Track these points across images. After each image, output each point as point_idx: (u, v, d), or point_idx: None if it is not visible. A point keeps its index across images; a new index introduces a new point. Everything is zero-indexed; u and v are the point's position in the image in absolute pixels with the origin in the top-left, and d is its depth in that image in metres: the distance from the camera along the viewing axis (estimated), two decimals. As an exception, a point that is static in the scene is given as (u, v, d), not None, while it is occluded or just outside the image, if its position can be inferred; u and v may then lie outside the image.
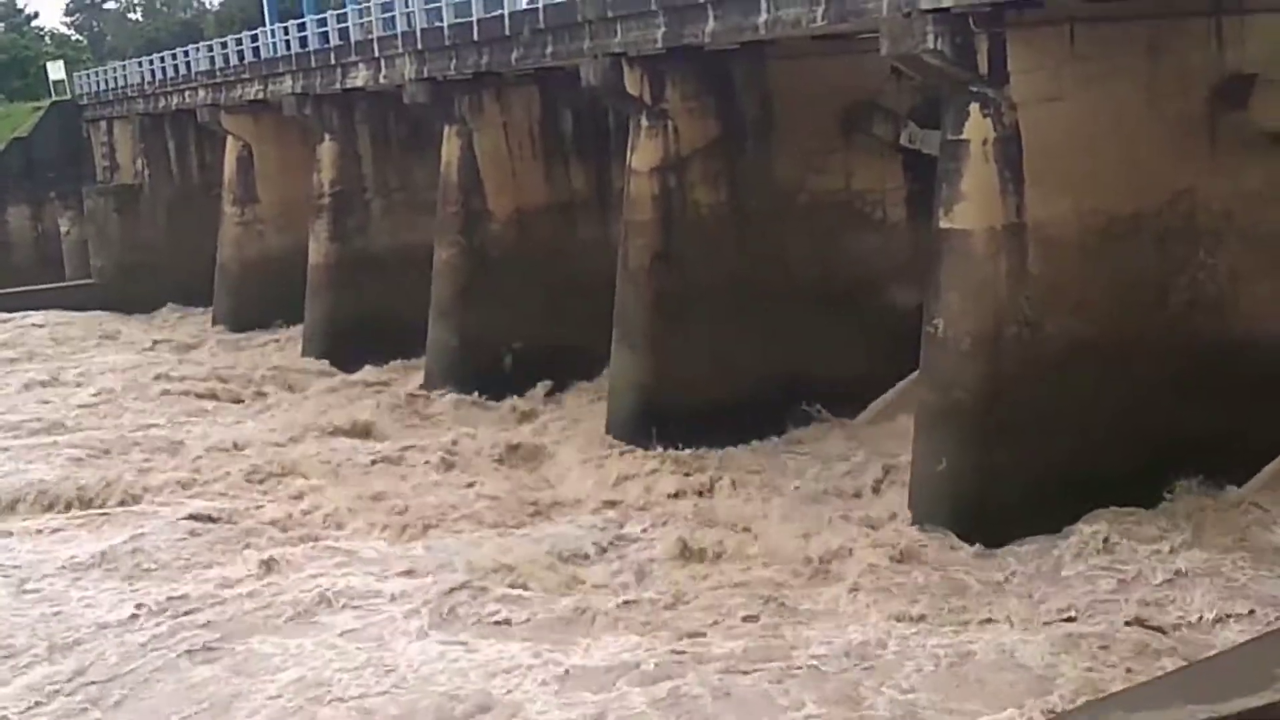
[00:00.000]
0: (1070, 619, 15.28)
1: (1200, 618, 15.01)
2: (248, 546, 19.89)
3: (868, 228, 24.06)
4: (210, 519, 21.37)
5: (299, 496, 22.57)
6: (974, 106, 17.70)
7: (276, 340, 37.61)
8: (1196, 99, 18.22)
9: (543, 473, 23.35)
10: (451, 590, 17.45)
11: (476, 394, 28.28)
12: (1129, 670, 13.88)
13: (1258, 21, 18.34)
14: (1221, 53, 18.26)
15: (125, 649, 16.52)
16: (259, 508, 22.03)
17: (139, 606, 17.71)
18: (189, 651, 16.31)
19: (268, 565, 18.88)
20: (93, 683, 15.77)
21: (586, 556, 18.58)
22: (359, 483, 23.20)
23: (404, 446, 25.49)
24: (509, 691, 14.69)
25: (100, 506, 22.74)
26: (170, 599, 17.89)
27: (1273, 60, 18.30)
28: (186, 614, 17.37)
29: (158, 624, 17.14)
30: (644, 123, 23.58)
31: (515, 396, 27.84)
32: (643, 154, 23.70)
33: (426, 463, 24.29)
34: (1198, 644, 14.44)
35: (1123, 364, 17.90)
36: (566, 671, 14.92)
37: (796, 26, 19.62)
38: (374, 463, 24.48)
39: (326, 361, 33.49)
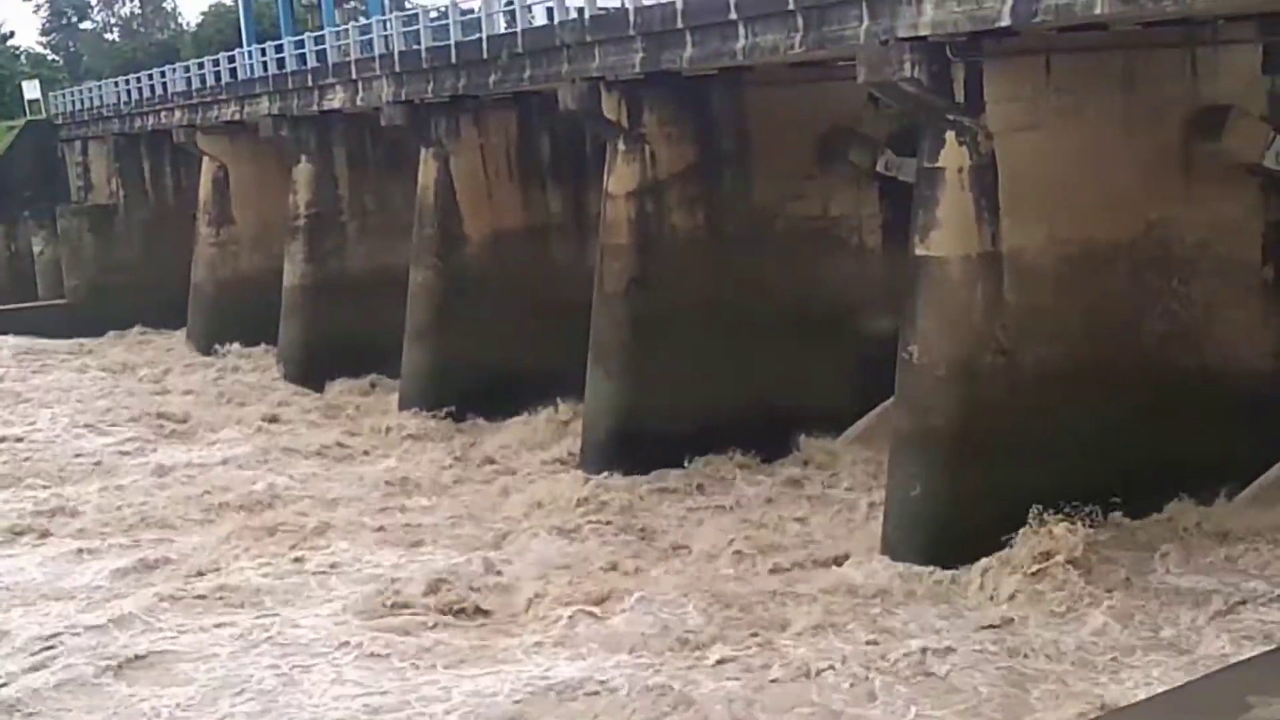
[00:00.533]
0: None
1: (1190, 637, 15.09)
2: (197, 574, 19.65)
3: (844, 254, 24.07)
4: (154, 541, 21.38)
5: (259, 517, 22.49)
6: (950, 134, 17.79)
7: (250, 361, 37.39)
8: (1171, 130, 18.34)
9: (512, 495, 23.22)
10: (393, 610, 17.50)
11: (450, 416, 28.23)
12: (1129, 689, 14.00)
13: (1231, 53, 18.51)
14: (1196, 84, 18.41)
15: (45, 666, 16.47)
16: (209, 524, 22.11)
17: (64, 625, 17.64)
18: (106, 668, 16.22)
19: (202, 586, 18.81)
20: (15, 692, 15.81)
21: (544, 577, 18.43)
22: (324, 505, 23.10)
23: (374, 468, 25.49)
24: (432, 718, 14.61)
25: (42, 532, 22.58)
26: (100, 619, 17.81)
27: (1246, 92, 18.48)
28: (112, 634, 17.23)
29: (79, 642, 17.02)
30: (621, 147, 23.59)
31: (489, 419, 27.77)
32: (620, 178, 23.72)
33: (400, 486, 24.24)
34: (1188, 660, 14.54)
35: (1097, 391, 17.96)
36: (500, 691, 14.86)
37: (774, 53, 19.73)
38: (343, 484, 24.45)
39: (300, 383, 33.39)
